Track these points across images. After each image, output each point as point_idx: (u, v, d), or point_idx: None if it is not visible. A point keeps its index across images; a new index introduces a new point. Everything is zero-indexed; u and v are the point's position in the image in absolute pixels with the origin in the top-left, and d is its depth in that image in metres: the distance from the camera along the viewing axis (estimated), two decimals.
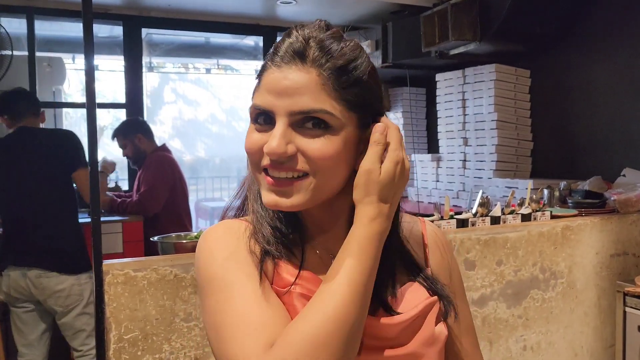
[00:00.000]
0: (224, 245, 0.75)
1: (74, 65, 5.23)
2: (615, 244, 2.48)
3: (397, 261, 0.80)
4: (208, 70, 6.71)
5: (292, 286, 0.73)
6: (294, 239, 0.78)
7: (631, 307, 2.24)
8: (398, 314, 0.75)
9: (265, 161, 0.71)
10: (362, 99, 0.73)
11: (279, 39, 0.76)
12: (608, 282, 2.45)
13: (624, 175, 2.90)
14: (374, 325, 0.73)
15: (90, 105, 1.69)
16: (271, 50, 0.74)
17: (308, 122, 0.70)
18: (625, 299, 2.27)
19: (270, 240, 0.75)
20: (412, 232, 0.86)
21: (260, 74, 0.74)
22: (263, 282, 0.71)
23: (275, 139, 0.69)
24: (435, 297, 0.80)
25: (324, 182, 0.72)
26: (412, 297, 0.78)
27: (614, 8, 3.04)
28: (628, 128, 2.96)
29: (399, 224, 0.82)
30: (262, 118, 0.72)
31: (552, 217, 2.39)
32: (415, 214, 0.92)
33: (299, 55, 0.70)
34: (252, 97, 0.75)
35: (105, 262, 1.66)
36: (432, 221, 2.10)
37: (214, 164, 10.57)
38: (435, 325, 0.78)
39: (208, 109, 11.03)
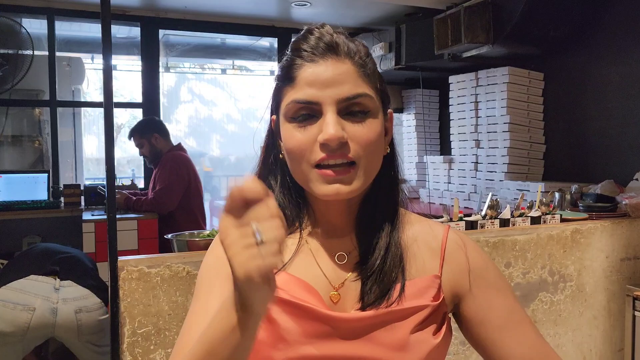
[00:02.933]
0: (216, 250, 0.83)
1: (92, 65, 5.31)
2: (625, 248, 2.48)
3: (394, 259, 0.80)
4: (223, 71, 6.77)
5: None
6: (290, 241, 0.82)
7: None
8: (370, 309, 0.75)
9: (317, 155, 0.73)
10: (382, 87, 0.80)
11: (293, 39, 0.79)
12: (618, 286, 2.45)
13: (636, 179, 2.89)
14: (329, 317, 0.75)
15: (108, 104, 1.74)
16: (292, 48, 0.77)
17: (351, 109, 0.74)
18: (635, 303, 2.26)
19: None
20: (429, 237, 0.84)
21: (288, 73, 0.76)
22: (227, 289, 0.74)
23: (331, 126, 0.72)
24: (425, 304, 0.77)
25: (371, 166, 0.77)
26: (413, 294, 0.78)
27: (627, 11, 3.03)
28: None
29: (395, 225, 0.82)
30: (303, 115, 0.75)
31: (562, 220, 2.40)
32: (425, 216, 0.91)
33: (332, 48, 0.75)
34: (283, 98, 0.77)
35: (120, 258, 1.71)
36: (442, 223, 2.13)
37: (229, 163, 10.63)
38: (416, 332, 0.75)
39: (224, 108, 11.11)
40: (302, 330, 0.75)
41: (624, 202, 2.57)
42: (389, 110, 0.82)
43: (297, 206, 0.83)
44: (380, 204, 0.82)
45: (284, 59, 0.78)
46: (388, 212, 0.82)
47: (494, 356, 0.81)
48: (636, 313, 2.27)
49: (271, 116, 0.84)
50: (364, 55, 0.78)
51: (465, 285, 0.83)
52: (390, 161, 0.83)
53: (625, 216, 2.54)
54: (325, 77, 0.73)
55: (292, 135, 0.75)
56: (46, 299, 2.16)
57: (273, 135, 0.84)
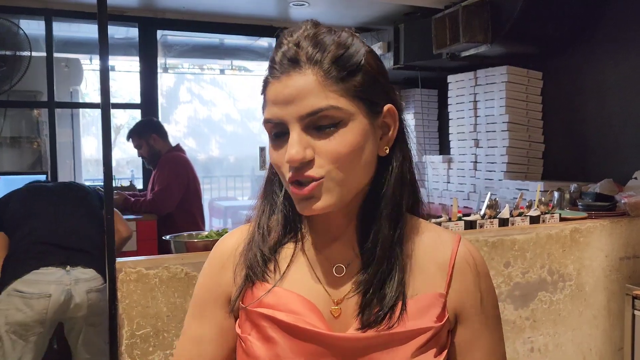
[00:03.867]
0: (209, 269, 0.84)
1: (91, 65, 5.31)
2: (625, 247, 2.48)
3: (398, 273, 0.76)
4: (222, 71, 6.77)
5: (260, 306, 0.76)
6: (285, 254, 0.80)
7: None
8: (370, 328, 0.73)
9: (289, 173, 0.72)
10: (366, 85, 0.73)
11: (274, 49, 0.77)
12: (617, 285, 2.45)
13: (635, 178, 2.88)
14: (329, 337, 0.73)
15: (105, 105, 1.74)
16: (269, 63, 0.75)
17: (319, 123, 0.70)
18: (635, 302, 2.26)
19: (254, 265, 0.78)
20: (438, 249, 0.80)
21: (263, 90, 0.75)
22: (219, 311, 0.81)
23: (293, 147, 0.70)
24: (428, 327, 0.74)
25: (348, 177, 0.72)
26: (416, 314, 0.75)
27: (626, 11, 3.02)
28: (639, 131, 2.95)
29: (399, 234, 0.77)
30: (276, 132, 0.73)
31: (561, 219, 2.40)
32: (424, 216, 0.86)
33: (293, 61, 0.71)
34: (263, 113, 0.76)
35: (118, 259, 1.71)
36: (440, 223, 2.12)
37: (228, 163, 10.64)
38: (417, 356, 0.73)
39: (223, 108, 11.11)
40: (299, 351, 0.73)
41: (622, 201, 2.57)
42: (386, 106, 0.76)
43: (297, 214, 0.80)
44: (381, 210, 0.77)
45: (265, 72, 0.76)
46: (391, 218, 0.77)
47: None
48: (636, 312, 2.26)
49: None
50: (340, 55, 0.71)
51: (467, 309, 0.79)
52: (393, 162, 0.78)
53: (624, 215, 2.54)
54: (285, 95, 0.70)
55: (271, 155, 0.75)
56: (59, 282, 2.25)
57: None
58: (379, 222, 0.76)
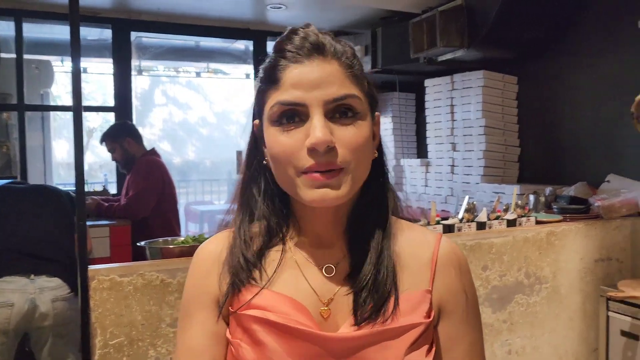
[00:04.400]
0: (194, 277, 0.83)
1: (62, 67, 5.20)
2: (599, 250, 2.51)
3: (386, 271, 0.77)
4: (198, 74, 6.70)
5: (249, 309, 0.75)
6: (272, 257, 0.79)
7: (614, 312, 2.27)
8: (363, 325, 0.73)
9: (304, 162, 0.70)
10: (370, 90, 0.77)
11: (269, 43, 0.76)
12: (592, 287, 2.48)
13: (608, 181, 2.93)
14: (320, 337, 0.72)
15: (77, 108, 1.69)
16: (276, 49, 0.74)
17: (338, 111, 0.71)
18: (609, 303, 2.29)
19: (239, 271, 0.77)
20: (421, 247, 0.81)
21: (272, 74, 0.73)
22: (209, 319, 0.79)
23: (318, 129, 0.69)
24: (419, 322, 0.74)
25: (360, 171, 0.74)
26: (407, 309, 0.75)
27: (599, 18, 3.08)
28: (612, 135, 3.00)
29: (386, 234, 0.79)
30: (287, 117, 0.72)
31: (537, 222, 2.42)
32: (405, 217, 0.87)
33: (318, 48, 0.72)
34: (267, 100, 0.74)
35: (91, 267, 1.66)
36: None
37: (204, 167, 10.56)
38: (410, 352, 0.73)
39: (199, 111, 11.03)
40: (291, 352, 0.72)
41: (596, 204, 2.60)
42: (376, 113, 0.80)
43: (282, 215, 0.80)
44: (370, 211, 0.79)
45: (267, 60, 0.75)
46: (379, 219, 0.79)
47: None
48: (610, 313, 2.30)
49: (254, 120, 0.80)
50: (351, 56, 0.75)
51: (449, 305, 0.80)
52: (378, 166, 0.81)
53: (598, 218, 2.57)
54: (312, 78, 0.70)
55: (277, 140, 0.72)
56: (23, 291, 2.19)
57: (256, 140, 0.80)
58: (369, 222, 0.78)
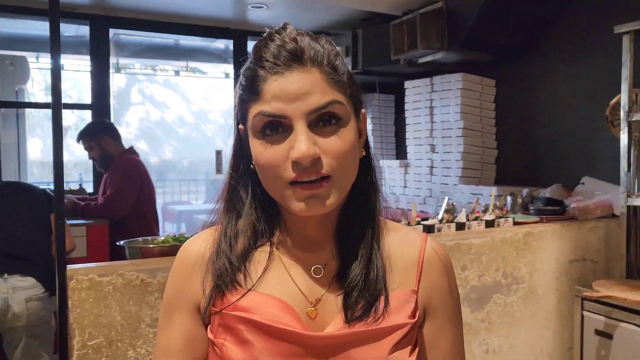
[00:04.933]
0: (176, 276, 0.82)
1: (37, 64, 5.10)
2: (574, 250, 2.57)
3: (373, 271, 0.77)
4: (177, 73, 6.65)
5: (234, 310, 0.74)
6: (259, 258, 0.79)
7: (589, 311, 2.32)
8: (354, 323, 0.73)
9: (290, 173, 0.70)
10: (353, 88, 0.75)
11: (250, 42, 0.75)
12: (567, 287, 2.53)
13: (583, 184, 3.00)
14: (305, 337, 0.72)
15: (56, 105, 1.66)
16: (255, 56, 0.72)
17: (321, 121, 0.70)
18: (583, 303, 2.34)
19: (223, 274, 0.76)
20: (407, 247, 0.82)
21: (252, 86, 0.72)
22: (188, 321, 0.79)
23: (302, 142, 0.68)
24: (404, 323, 0.75)
25: (347, 178, 0.74)
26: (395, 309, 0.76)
27: (576, 23, 3.15)
28: (587, 138, 3.06)
29: (375, 233, 0.79)
30: (270, 128, 0.71)
31: (515, 223, 2.46)
32: (389, 217, 0.88)
33: (296, 57, 0.70)
34: (249, 110, 0.73)
35: (70, 267, 1.64)
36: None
37: (182, 167, 10.46)
38: (394, 352, 0.73)
39: (176, 111, 10.92)
40: (278, 352, 0.72)
41: (572, 206, 2.66)
42: (362, 110, 0.79)
43: (269, 217, 0.80)
44: (359, 212, 0.79)
45: (247, 66, 0.74)
46: (368, 219, 0.79)
47: None
48: (584, 313, 2.34)
49: (238, 125, 0.79)
50: (333, 57, 0.73)
51: (434, 304, 0.81)
52: (367, 165, 0.80)
53: (574, 219, 2.63)
54: (292, 90, 0.69)
55: (262, 153, 0.71)
56: None
57: (242, 143, 0.79)
58: (358, 223, 0.78)
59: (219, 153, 4.11)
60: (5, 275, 2.18)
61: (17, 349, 2.22)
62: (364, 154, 0.79)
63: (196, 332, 0.79)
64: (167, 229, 6.26)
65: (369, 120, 4.41)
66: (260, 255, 0.79)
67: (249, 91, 0.72)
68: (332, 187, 0.71)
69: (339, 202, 0.74)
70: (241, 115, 0.77)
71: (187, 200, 8.23)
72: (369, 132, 4.39)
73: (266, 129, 0.71)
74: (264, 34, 0.74)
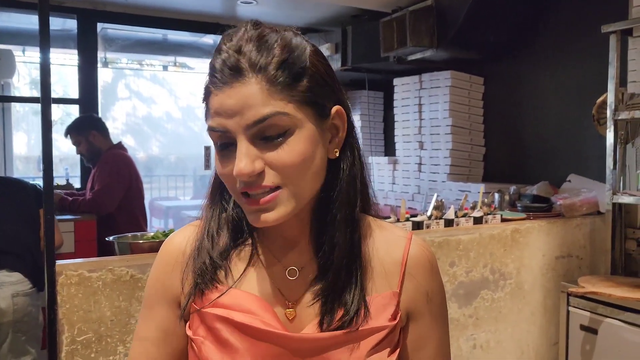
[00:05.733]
0: (157, 269, 0.82)
1: (23, 57, 5.03)
2: (560, 247, 2.60)
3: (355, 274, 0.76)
4: (165, 68, 6.60)
5: (214, 307, 0.74)
6: (240, 256, 0.79)
7: (574, 307, 2.35)
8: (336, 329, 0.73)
9: (240, 186, 0.69)
10: (313, 89, 0.70)
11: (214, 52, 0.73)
12: (553, 283, 2.56)
13: (569, 181, 3.04)
14: (283, 337, 0.72)
15: (45, 100, 1.65)
16: (209, 70, 0.71)
17: (266, 132, 0.67)
18: (569, 299, 2.37)
19: (204, 273, 0.76)
20: (391, 247, 0.80)
21: (205, 98, 0.71)
22: (167, 315, 0.79)
23: (241, 160, 0.67)
24: (384, 325, 0.75)
25: (301, 186, 0.70)
26: (375, 312, 0.75)
27: (564, 22, 3.18)
28: (573, 136, 3.10)
29: (354, 235, 0.77)
30: (222, 143, 0.70)
31: (503, 220, 2.49)
32: (376, 215, 0.86)
33: (235, 71, 0.67)
34: (206, 120, 0.72)
35: (59, 262, 1.63)
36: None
37: (169, 162, 10.40)
38: (372, 355, 0.73)
39: (164, 106, 10.85)
40: (255, 352, 0.72)
41: (558, 203, 2.69)
42: (335, 107, 0.73)
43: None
44: (335, 213, 0.75)
45: (206, 78, 0.72)
46: (346, 221, 0.75)
47: None
48: (570, 308, 2.38)
49: None
50: (285, 59, 0.68)
51: (419, 306, 0.80)
52: (343, 164, 0.76)
53: (560, 216, 2.66)
54: (230, 106, 0.66)
55: (218, 165, 0.72)
56: None
57: None
58: (334, 226, 0.75)
59: (207, 149, 4.10)
60: None
61: (4, 344, 2.20)
62: (337, 154, 0.75)
63: (173, 327, 0.79)
64: (154, 225, 6.22)
65: (357, 117, 4.42)
66: (242, 253, 0.78)
67: (205, 104, 0.72)
68: (283, 198, 0.69)
69: (295, 211, 0.71)
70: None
71: (175, 196, 8.19)
72: (358, 130, 4.39)
73: (218, 142, 0.70)
74: (217, 44, 0.72)
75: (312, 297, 0.75)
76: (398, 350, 0.77)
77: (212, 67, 0.69)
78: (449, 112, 3.54)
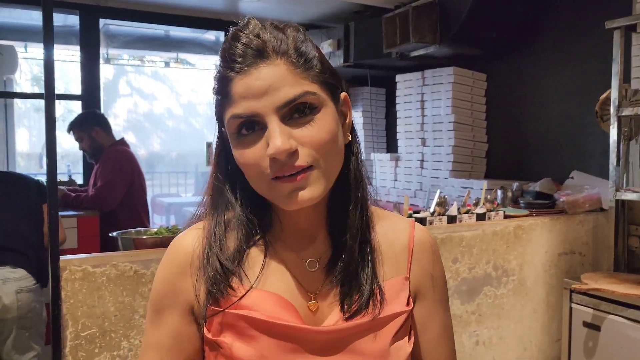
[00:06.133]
0: (167, 271, 0.79)
1: (25, 54, 5.03)
2: (563, 243, 2.60)
3: (369, 262, 0.78)
4: (167, 64, 6.59)
5: (236, 309, 0.74)
6: (254, 256, 0.78)
7: (577, 304, 2.35)
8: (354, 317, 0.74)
9: (272, 170, 0.69)
10: (326, 72, 0.73)
11: (222, 45, 0.71)
12: (556, 280, 2.57)
13: (572, 178, 3.03)
14: (306, 331, 0.73)
15: (49, 96, 1.65)
16: (222, 58, 0.71)
17: (295, 113, 0.69)
18: (572, 295, 2.37)
19: (217, 281, 0.74)
20: (396, 234, 0.83)
21: (223, 88, 0.71)
22: (179, 320, 0.78)
23: (277, 138, 0.67)
24: (402, 311, 0.77)
25: (331, 165, 0.72)
26: (391, 298, 0.77)
27: (566, 18, 3.17)
28: (576, 133, 3.10)
29: (365, 222, 0.79)
30: (246, 128, 0.70)
31: (505, 216, 2.48)
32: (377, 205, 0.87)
33: (259, 53, 0.69)
34: (224, 113, 0.72)
35: (63, 257, 1.63)
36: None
37: (170, 159, 10.40)
38: (395, 341, 0.75)
39: (165, 103, 10.85)
40: (281, 348, 0.72)
41: (561, 199, 2.69)
42: (342, 93, 0.77)
43: (262, 215, 0.79)
44: (349, 200, 0.77)
45: (217, 70, 0.73)
46: (358, 208, 0.78)
47: None
48: (573, 305, 2.38)
49: (220, 127, 0.78)
50: (300, 44, 0.71)
51: (424, 289, 0.82)
52: (353, 149, 0.79)
53: (563, 213, 2.66)
54: (259, 87, 0.68)
55: (241, 154, 0.71)
56: None
57: (224, 143, 0.78)
58: (348, 211, 0.77)
59: (209, 145, 4.09)
60: None
61: (8, 340, 2.21)
62: (350, 139, 0.78)
63: (187, 331, 0.78)
64: (156, 221, 6.23)
65: (359, 114, 4.41)
66: (256, 252, 0.78)
67: (222, 94, 0.72)
68: (315, 177, 0.70)
69: (326, 191, 0.73)
70: (218, 118, 0.76)
71: (177, 192, 8.19)
72: (360, 126, 4.40)
73: (241, 129, 0.70)
74: (228, 34, 0.73)
75: (330, 285, 0.76)
76: (413, 336, 0.79)
77: (231, 54, 0.70)
78: (451, 108, 3.53)
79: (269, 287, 0.76)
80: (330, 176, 0.73)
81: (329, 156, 0.71)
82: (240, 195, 0.78)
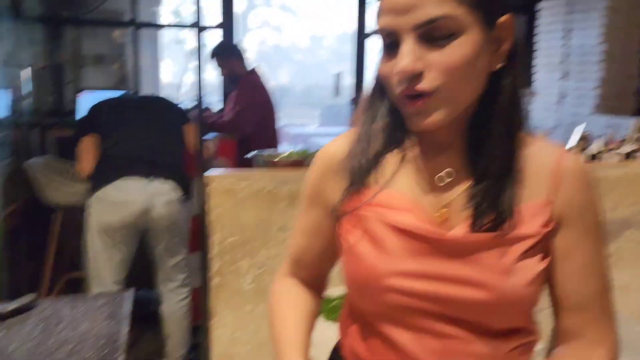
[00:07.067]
0: (311, 176, 0.90)
1: None
2: None
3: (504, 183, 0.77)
4: None
5: (367, 207, 0.79)
6: (390, 161, 0.81)
7: None
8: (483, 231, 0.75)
9: (397, 87, 0.71)
10: None
11: None
12: None
13: None
14: (434, 235, 0.75)
15: (200, 27, 1.77)
16: None
17: (434, 33, 0.68)
18: None
19: (358, 172, 0.81)
20: (543, 159, 0.80)
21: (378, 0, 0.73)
22: (318, 215, 0.90)
23: (403, 58, 0.68)
24: (536, 232, 0.76)
25: (456, 93, 0.71)
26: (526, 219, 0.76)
27: None
28: None
29: (513, 148, 0.77)
30: (389, 43, 0.72)
31: None
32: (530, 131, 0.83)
33: None
34: (377, 22, 0.74)
35: (208, 173, 1.79)
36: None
37: (296, 91, 10.68)
38: (523, 259, 0.75)
39: (291, 36, 11.03)
40: (406, 248, 0.76)
41: None
42: (502, 17, 0.72)
43: (401, 124, 0.80)
44: (493, 127, 0.76)
45: None
46: (504, 133, 0.76)
47: (554, 292, 0.82)
48: None
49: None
50: None
51: (570, 216, 0.79)
52: (505, 79, 0.75)
53: None
54: (402, 4, 0.68)
55: (381, 65, 0.74)
56: (143, 191, 2.34)
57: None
58: (493, 139, 0.76)
59: (337, 76, 4.14)
60: (152, 177, 2.41)
61: (161, 244, 2.49)
62: (500, 65, 0.74)
63: (326, 224, 0.89)
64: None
65: None
66: (393, 158, 0.82)
67: (378, 4, 0.73)
68: (436, 103, 0.70)
69: (450, 118, 0.72)
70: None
71: (303, 123, 8.45)
72: None
73: (386, 41, 0.72)
74: None
75: (464, 201, 0.77)
76: (549, 258, 0.78)
77: None
78: (603, 36, 3.20)
79: (401, 189, 0.80)
80: (456, 104, 0.72)
81: (457, 83, 0.70)
82: (387, 102, 0.81)
